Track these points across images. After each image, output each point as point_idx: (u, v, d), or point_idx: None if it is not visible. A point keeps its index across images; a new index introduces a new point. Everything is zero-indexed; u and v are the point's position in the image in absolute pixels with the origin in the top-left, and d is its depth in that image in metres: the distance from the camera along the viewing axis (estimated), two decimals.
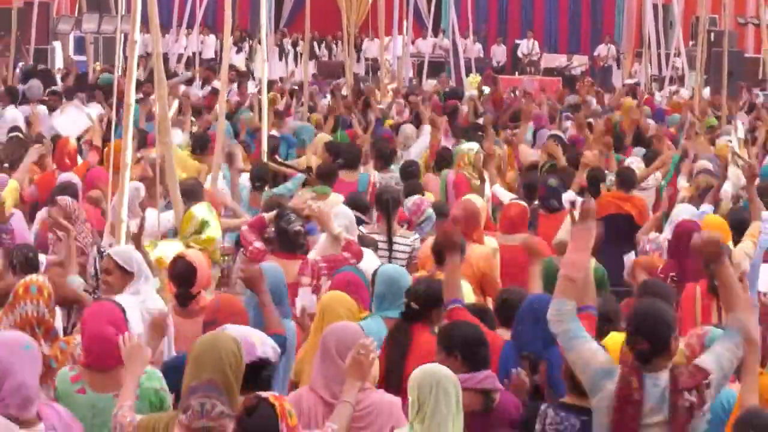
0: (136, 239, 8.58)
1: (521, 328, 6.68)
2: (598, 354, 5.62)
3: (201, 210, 9.31)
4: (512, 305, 7.04)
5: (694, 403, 5.47)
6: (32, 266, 7.67)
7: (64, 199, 9.34)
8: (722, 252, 5.66)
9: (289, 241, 8.72)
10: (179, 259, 7.69)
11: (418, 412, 5.35)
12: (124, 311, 6.20)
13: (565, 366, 5.83)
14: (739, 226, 9.70)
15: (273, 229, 9.04)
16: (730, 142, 15.16)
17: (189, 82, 23.31)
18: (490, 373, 6.10)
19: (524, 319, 6.67)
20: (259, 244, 8.89)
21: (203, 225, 9.18)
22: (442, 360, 5.93)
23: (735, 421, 5.27)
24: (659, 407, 5.45)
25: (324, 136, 15.23)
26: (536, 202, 11.18)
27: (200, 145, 13.60)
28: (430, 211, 10.39)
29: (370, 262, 8.52)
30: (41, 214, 10.31)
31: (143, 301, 7.35)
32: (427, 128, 16.16)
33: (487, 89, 24.70)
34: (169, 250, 8.63)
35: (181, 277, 7.56)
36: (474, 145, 12.87)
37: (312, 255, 8.67)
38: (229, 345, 5.44)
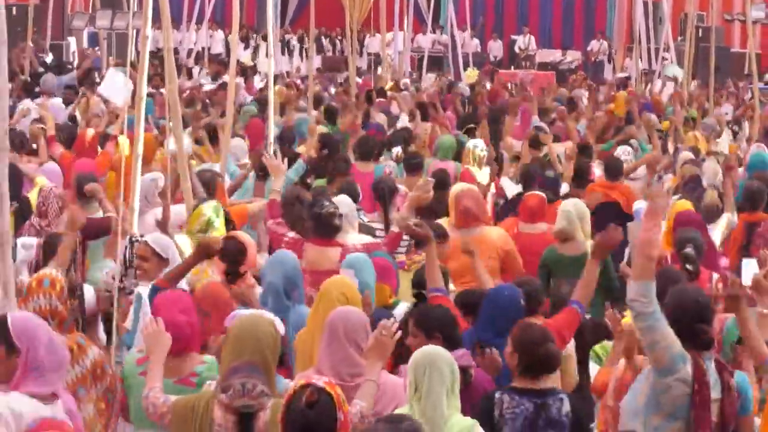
0: (161, 227, 8.97)
1: (480, 317, 6.88)
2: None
3: (209, 209, 9.19)
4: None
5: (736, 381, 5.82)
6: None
7: (44, 189, 9.66)
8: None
9: (323, 225, 8.61)
10: (230, 239, 7.93)
11: (415, 391, 5.46)
12: (192, 298, 6.36)
13: (512, 351, 5.90)
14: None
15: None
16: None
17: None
18: (465, 352, 6.24)
19: (484, 308, 6.88)
20: (292, 234, 8.88)
21: (208, 225, 9.01)
22: (422, 342, 6.03)
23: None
24: (715, 387, 5.70)
25: (320, 128, 14.98)
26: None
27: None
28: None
29: None
30: None
31: None
32: (404, 117, 16.66)
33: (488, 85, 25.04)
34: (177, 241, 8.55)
35: (232, 256, 7.84)
36: (479, 143, 12.96)
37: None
38: (268, 327, 5.49)
